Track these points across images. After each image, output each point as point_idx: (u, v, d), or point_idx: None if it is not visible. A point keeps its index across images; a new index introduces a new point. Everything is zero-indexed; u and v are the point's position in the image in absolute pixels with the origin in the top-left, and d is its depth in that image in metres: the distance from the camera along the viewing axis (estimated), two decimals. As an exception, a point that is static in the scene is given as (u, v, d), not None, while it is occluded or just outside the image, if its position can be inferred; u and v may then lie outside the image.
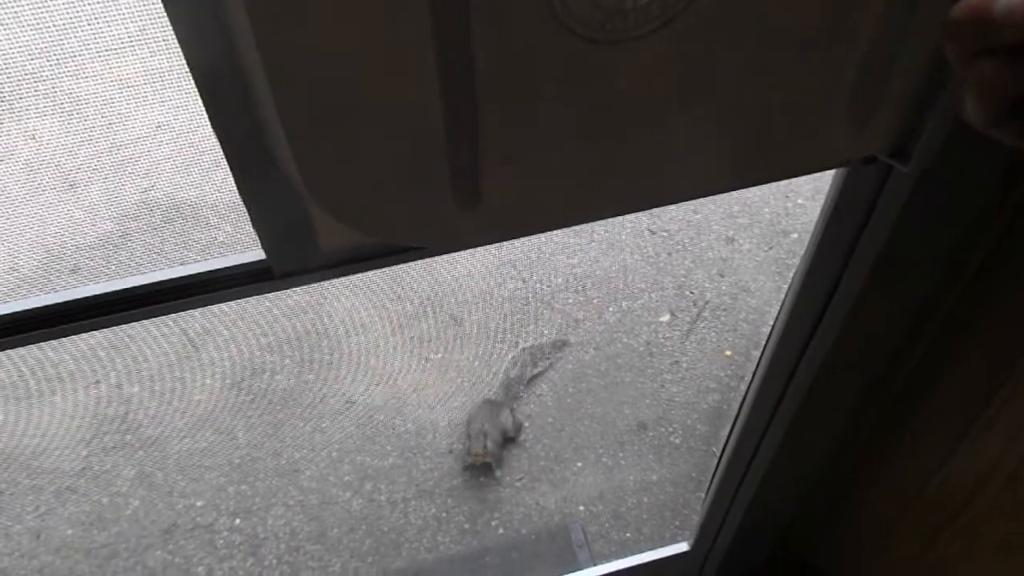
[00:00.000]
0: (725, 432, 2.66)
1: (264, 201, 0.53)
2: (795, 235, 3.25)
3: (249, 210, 0.54)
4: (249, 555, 2.47)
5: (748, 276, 3.14)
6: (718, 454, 1.17)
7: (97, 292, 0.58)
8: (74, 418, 2.87)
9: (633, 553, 2.34)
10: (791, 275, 3.17)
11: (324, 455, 2.71)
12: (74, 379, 2.94)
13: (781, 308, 1.00)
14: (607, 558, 2.32)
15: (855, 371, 1.01)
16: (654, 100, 0.54)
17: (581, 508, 2.49)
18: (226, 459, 2.72)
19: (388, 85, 0.46)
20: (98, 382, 2.95)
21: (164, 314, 0.60)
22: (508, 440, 2.65)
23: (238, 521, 2.56)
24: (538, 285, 3.19)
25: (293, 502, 2.59)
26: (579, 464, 2.62)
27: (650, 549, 1.52)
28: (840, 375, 0.99)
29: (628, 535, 2.41)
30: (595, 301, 3.12)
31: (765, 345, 1.00)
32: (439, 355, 2.90)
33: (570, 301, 3.13)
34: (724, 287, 3.11)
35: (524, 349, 2.85)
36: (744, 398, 1.06)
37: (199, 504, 2.61)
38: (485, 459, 2.51)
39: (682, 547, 1.43)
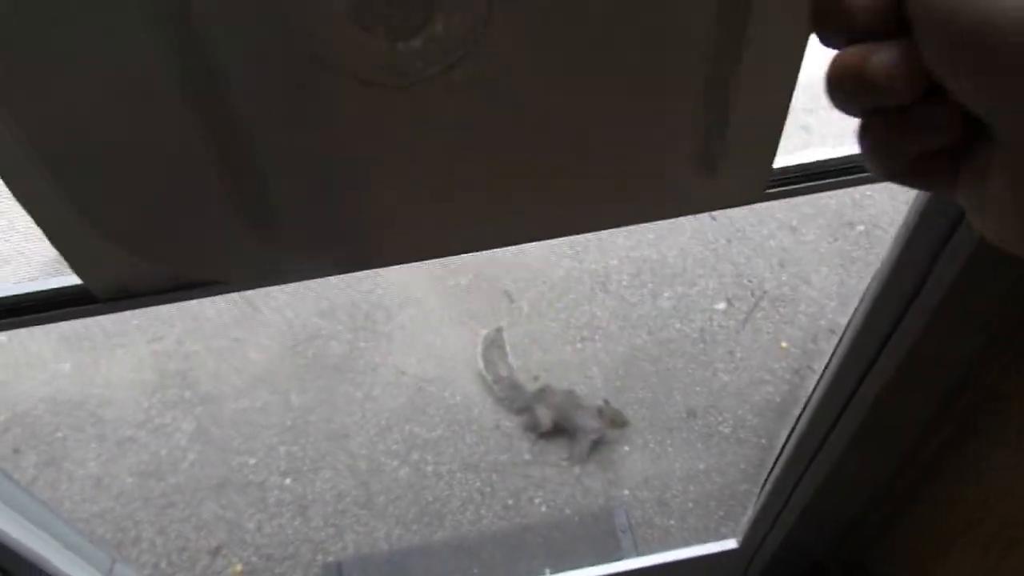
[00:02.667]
0: (776, 425, 2.63)
1: (63, 231, 0.49)
2: (861, 227, 3.16)
3: (50, 240, 0.50)
4: (297, 515, 2.53)
5: (810, 267, 3.07)
6: (777, 451, 1.15)
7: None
8: (137, 371, 2.97)
9: (677, 542, 2.34)
10: (854, 268, 3.09)
11: (374, 422, 2.75)
12: (138, 334, 3.04)
13: (860, 304, 0.97)
14: (650, 544, 2.32)
15: (932, 377, 0.98)
16: (449, 146, 0.49)
17: (626, 492, 2.49)
18: (279, 420, 2.78)
19: (129, 122, 0.43)
20: (161, 338, 3.04)
21: None
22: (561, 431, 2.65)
23: (288, 481, 2.62)
24: (593, 265, 3.17)
25: (342, 466, 2.65)
26: (626, 448, 2.61)
27: (697, 543, 1.51)
28: (916, 380, 0.97)
29: (672, 523, 2.40)
30: (650, 285, 3.09)
31: (839, 342, 0.97)
32: (490, 330, 2.90)
33: (624, 283, 3.10)
34: (784, 277, 3.05)
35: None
36: (811, 395, 1.03)
37: (252, 462, 2.68)
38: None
39: (730, 544, 1.42)
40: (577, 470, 2.55)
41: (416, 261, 0.55)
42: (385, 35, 0.40)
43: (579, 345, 2.92)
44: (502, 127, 0.47)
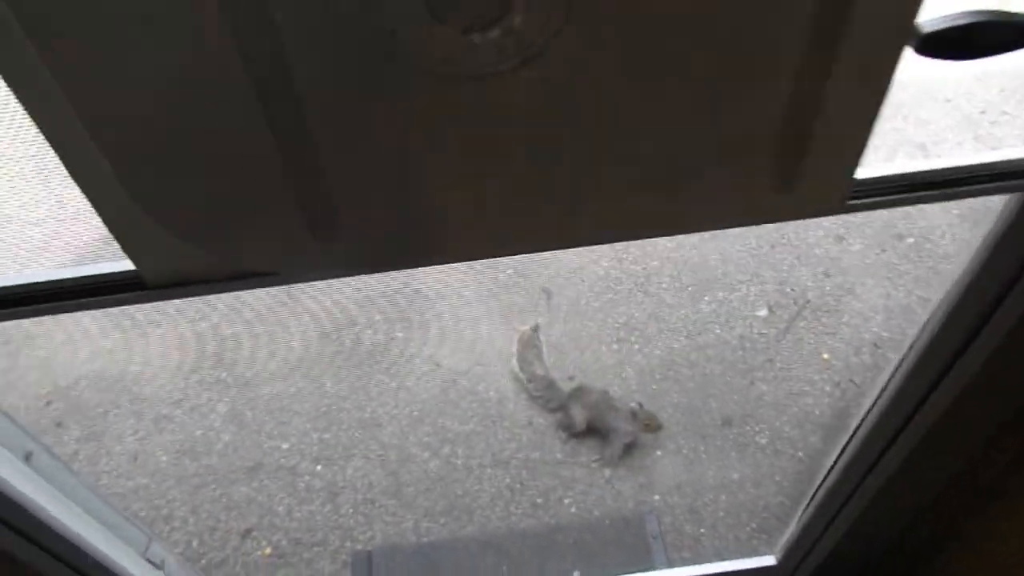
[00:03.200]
0: (815, 438, 2.58)
1: (120, 217, 0.48)
2: (911, 240, 3.08)
3: (107, 225, 0.49)
4: (328, 501, 2.55)
5: (855, 278, 3.00)
6: (824, 467, 1.12)
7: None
8: (176, 351, 3.00)
9: (706, 551, 2.30)
10: (902, 282, 3.01)
11: (406, 413, 2.76)
12: (179, 314, 3.07)
13: (928, 321, 0.93)
14: (680, 552, 2.29)
15: (1000, 397, 0.94)
16: (520, 144, 0.47)
17: (657, 497, 2.46)
18: (313, 406, 2.80)
19: (202, 114, 0.42)
20: (200, 319, 3.07)
21: (36, 315, 0.57)
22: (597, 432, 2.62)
23: (319, 467, 2.64)
24: (633, 266, 3.13)
25: (373, 455, 2.65)
26: (658, 453, 2.58)
27: (727, 553, 1.48)
28: (982, 400, 0.93)
29: (702, 531, 2.36)
30: (690, 288, 3.05)
31: (902, 360, 0.93)
32: (527, 326, 2.89)
33: (664, 286, 3.06)
34: (828, 287, 2.98)
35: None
36: (868, 412, 1.00)
37: (284, 447, 2.70)
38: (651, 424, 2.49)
39: (768, 560, 1.38)
40: (608, 472, 2.52)
41: (476, 259, 0.54)
42: (460, 26, 0.39)
43: (615, 346, 2.89)
44: (574, 127, 0.45)
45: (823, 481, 1.13)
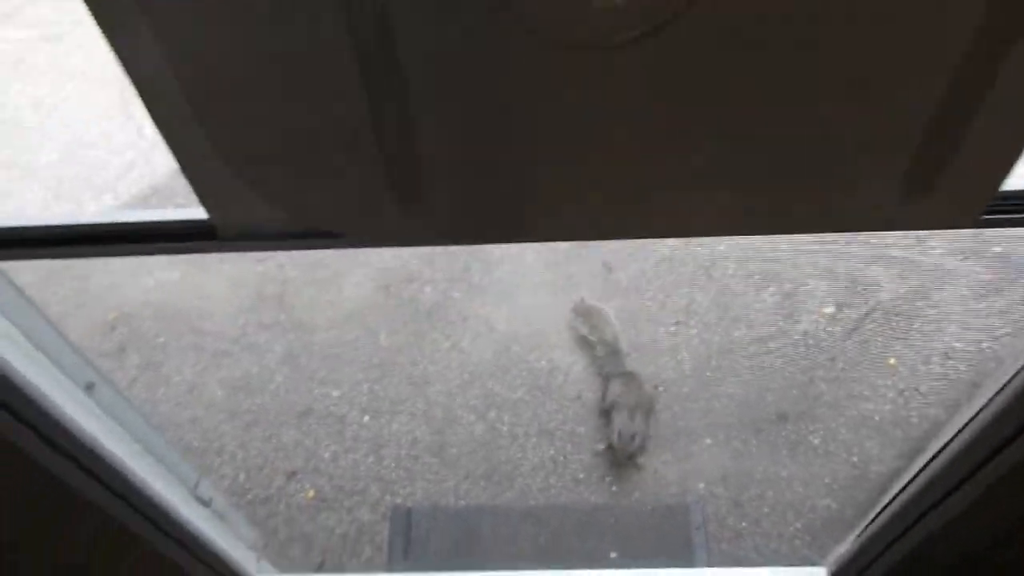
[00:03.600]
0: (871, 444, 2.50)
1: (199, 167, 0.47)
2: (998, 249, 2.93)
3: (185, 174, 0.48)
4: (371, 452, 2.58)
5: (932, 284, 2.87)
6: (897, 488, 1.07)
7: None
8: (239, 289, 3.06)
9: (747, 546, 2.26)
10: (983, 292, 2.87)
11: (456, 374, 2.76)
12: (242, 255, 3.12)
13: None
14: (720, 544, 2.26)
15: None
16: (632, 120, 0.43)
17: (701, 486, 2.42)
18: (366, 357, 2.83)
19: (295, 70, 0.39)
20: (264, 260, 3.12)
21: (108, 255, 0.57)
22: (651, 412, 2.55)
23: (367, 418, 2.67)
24: (699, 248, 3.05)
25: (419, 412, 2.67)
26: (708, 441, 2.53)
27: (768, 550, 1.44)
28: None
29: (744, 525, 2.32)
30: (756, 277, 2.96)
31: (1006, 384, 0.86)
32: (584, 295, 2.85)
33: (730, 272, 2.98)
34: (903, 290, 2.86)
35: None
36: (949, 442, 0.93)
37: (335, 394, 2.74)
38: (632, 452, 2.41)
39: (819, 572, 1.34)
40: (653, 454, 2.49)
41: (564, 240, 0.51)
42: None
43: (673, 328, 2.83)
44: (690, 111, 0.41)
45: (892, 500, 1.08)
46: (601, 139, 0.44)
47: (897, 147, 0.43)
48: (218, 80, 0.39)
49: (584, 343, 2.76)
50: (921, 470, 0.99)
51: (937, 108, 0.40)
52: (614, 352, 2.66)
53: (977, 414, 0.90)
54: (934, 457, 0.96)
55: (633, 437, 2.40)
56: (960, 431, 0.91)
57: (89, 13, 0.38)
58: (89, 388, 1.01)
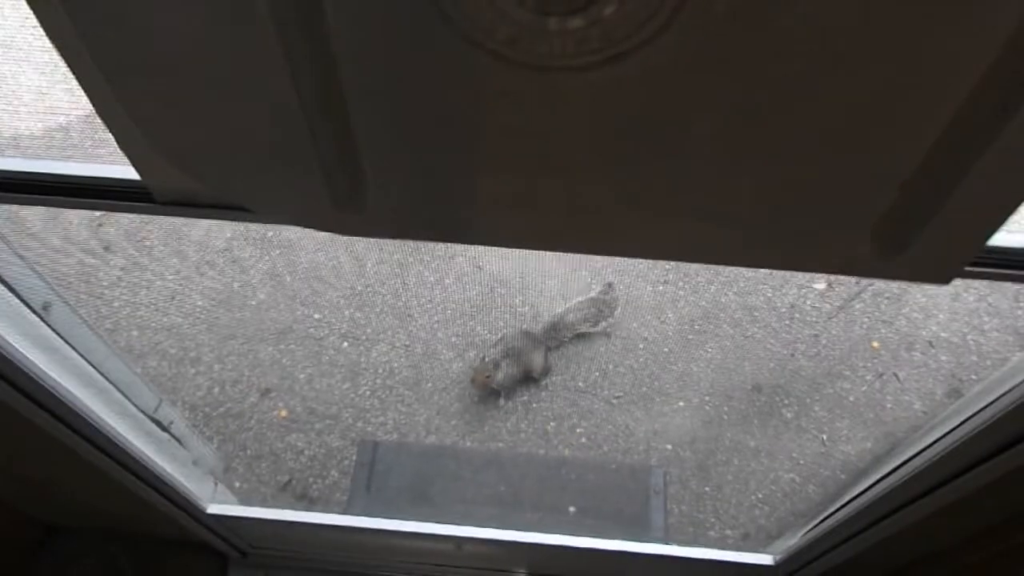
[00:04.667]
0: (842, 424, 2.51)
1: (127, 137, 0.44)
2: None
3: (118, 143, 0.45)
4: (348, 379, 2.58)
5: (928, 270, 2.83)
6: (855, 489, 1.06)
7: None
8: (228, 201, 3.01)
9: (707, 510, 2.29)
10: (974, 285, 2.85)
11: (439, 310, 2.75)
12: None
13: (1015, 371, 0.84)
14: (680, 504, 2.29)
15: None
16: (580, 143, 0.40)
17: (669, 447, 2.44)
18: (350, 283, 2.80)
19: (221, 56, 0.35)
20: (256, 174, 3.06)
21: (42, 205, 0.55)
22: (529, 379, 2.56)
23: (346, 344, 2.67)
24: (699, 209, 3.00)
25: (399, 344, 2.66)
26: (680, 403, 2.54)
27: (728, 519, 1.45)
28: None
29: (707, 489, 2.35)
30: (752, 244, 2.92)
31: (983, 408, 0.83)
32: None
33: (726, 236, 2.94)
34: (897, 273, 2.83)
35: (593, 299, 2.67)
36: (916, 455, 0.92)
37: (316, 316, 2.73)
38: (490, 384, 2.45)
39: (765, 559, 1.35)
40: (626, 410, 2.50)
41: (502, 247, 0.48)
42: (536, 6, 0.31)
43: (661, 287, 2.81)
44: (647, 142, 0.37)
45: (848, 502, 1.07)
46: (543, 157, 0.40)
47: (868, 204, 0.40)
48: (129, 52, 0.35)
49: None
50: (882, 477, 0.98)
51: (914, 171, 0.36)
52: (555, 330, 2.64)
53: (947, 433, 0.89)
54: (896, 468, 0.95)
55: (496, 367, 2.43)
56: (926, 447, 0.89)
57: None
58: (46, 308, 0.99)
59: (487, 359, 2.48)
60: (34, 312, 0.94)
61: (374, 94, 0.37)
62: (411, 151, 0.40)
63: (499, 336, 2.61)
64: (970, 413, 0.83)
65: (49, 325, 0.96)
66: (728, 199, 0.41)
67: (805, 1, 0.30)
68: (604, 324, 2.67)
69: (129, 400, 1.15)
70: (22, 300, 0.91)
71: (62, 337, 0.98)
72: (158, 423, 1.27)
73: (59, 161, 0.53)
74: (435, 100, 0.37)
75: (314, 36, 0.33)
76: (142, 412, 1.20)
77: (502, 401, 2.51)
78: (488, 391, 2.50)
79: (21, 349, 0.83)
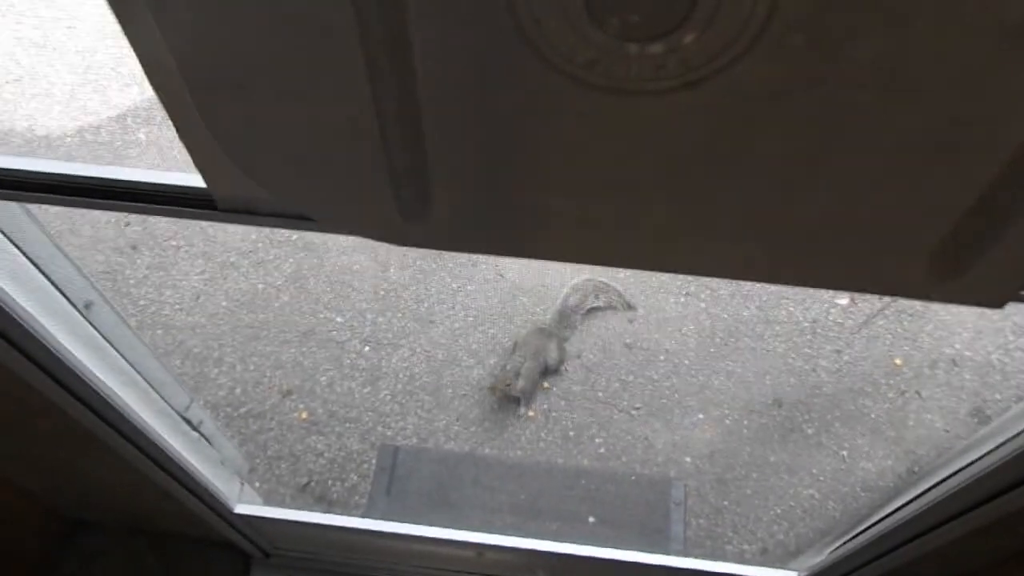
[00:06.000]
0: (863, 441, 2.49)
1: (199, 144, 0.46)
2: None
3: (188, 150, 0.47)
4: (369, 383, 2.60)
5: (952, 288, 2.81)
6: (884, 510, 1.06)
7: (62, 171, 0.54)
8: (254, 203, 3.04)
9: (726, 524, 2.28)
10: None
11: (461, 316, 2.76)
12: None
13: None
14: (699, 519, 2.28)
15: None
16: (650, 166, 0.41)
17: (688, 460, 2.43)
18: (373, 288, 2.82)
19: (306, 73, 0.36)
20: (283, 177, 3.09)
21: (108, 209, 0.57)
22: (549, 372, 2.59)
23: (367, 348, 2.68)
24: (722, 221, 3.00)
25: (420, 349, 2.68)
26: (700, 416, 2.54)
27: (747, 533, 1.44)
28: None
29: (726, 503, 2.34)
30: (775, 258, 2.91)
31: (1016, 435, 0.83)
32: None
33: (749, 249, 2.94)
34: (921, 291, 2.81)
35: (589, 279, 2.71)
36: (948, 477, 0.91)
37: (339, 320, 2.75)
38: (510, 393, 2.47)
39: (790, 575, 1.35)
40: (645, 422, 2.50)
41: (562, 261, 0.48)
42: (618, 32, 0.32)
43: (683, 299, 2.81)
44: (719, 159, 0.38)
45: (877, 522, 1.07)
46: (620, 174, 0.41)
47: (928, 229, 0.40)
48: (217, 70, 0.37)
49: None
50: (914, 498, 0.98)
51: (977, 199, 0.37)
52: (562, 317, 2.67)
53: (982, 456, 0.88)
54: (928, 489, 0.94)
55: (517, 375, 2.45)
56: (960, 470, 0.89)
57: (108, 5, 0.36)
58: (88, 307, 1.01)
59: (508, 367, 2.50)
60: (78, 310, 0.96)
61: (449, 109, 0.38)
62: (479, 165, 0.41)
63: (514, 342, 2.63)
64: (1005, 437, 0.82)
65: (92, 323, 0.97)
66: (788, 222, 0.41)
67: (881, 36, 0.30)
68: (612, 300, 2.72)
69: (164, 399, 1.17)
70: (67, 299, 0.93)
71: (103, 335, 0.99)
72: (188, 422, 1.29)
73: (126, 168, 0.54)
74: (508, 117, 0.38)
75: (397, 55, 0.34)
76: (175, 411, 1.22)
77: (522, 410, 2.52)
78: (509, 399, 2.51)
79: (67, 346, 0.85)
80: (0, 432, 1.04)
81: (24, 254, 0.84)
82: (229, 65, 0.36)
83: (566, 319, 2.68)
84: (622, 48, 0.32)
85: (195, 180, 0.51)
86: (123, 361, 1.04)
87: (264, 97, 0.38)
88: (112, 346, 1.02)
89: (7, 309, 0.74)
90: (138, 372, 1.09)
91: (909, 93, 0.33)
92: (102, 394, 0.95)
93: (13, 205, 0.84)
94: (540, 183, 0.42)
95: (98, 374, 0.92)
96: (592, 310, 2.74)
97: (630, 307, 2.77)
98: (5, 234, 0.80)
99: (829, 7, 0.30)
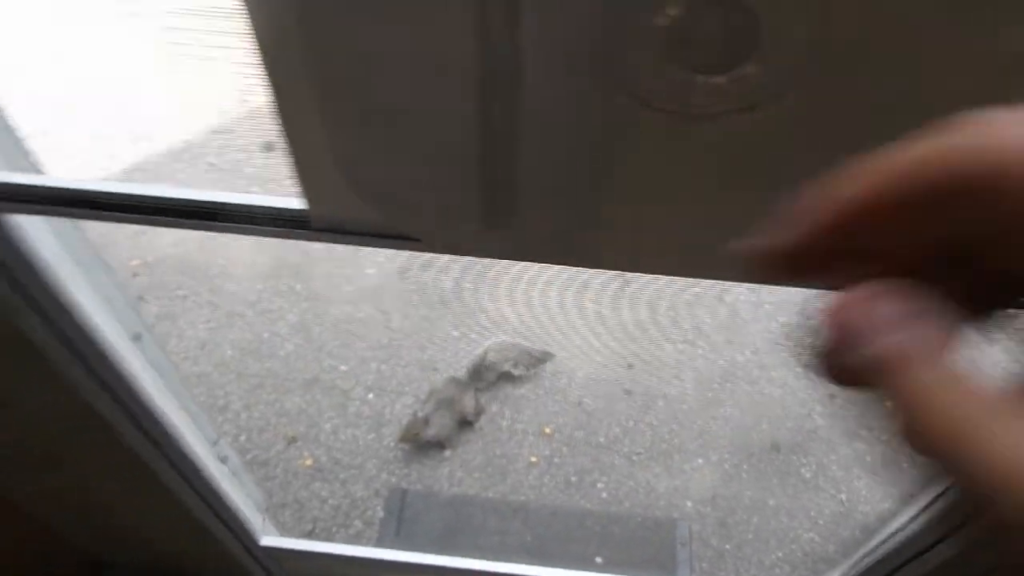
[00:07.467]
0: (860, 484, 2.54)
1: (308, 160, 0.52)
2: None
3: (294, 166, 0.53)
4: (373, 430, 2.63)
5: (940, 334, 2.90)
6: (880, 535, 1.11)
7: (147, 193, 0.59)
8: (260, 253, 3.11)
9: (728, 568, 2.31)
10: (995, 350, 2.94)
11: (464, 363, 2.81)
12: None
13: None
14: (702, 563, 2.31)
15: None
16: (716, 181, 0.48)
17: (689, 504, 2.46)
18: (377, 336, 2.88)
19: (426, 97, 0.44)
20: (288, 229, 3.16)
21: (204, 230, 0.62)
22: (465, 423, 2.65)
23: (371, 396, 2.72)
24: (715, 271, 3.09)
25: (424, 396, 2.72)
26: (699, 461, 2.58)
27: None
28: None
29: (728, 547, 2.37)
30: (767, 306, 3.00)
31: None
32: (597, 306, 2.90)
33: (742, 298, 3.03)
34: (910, 337, 2.89)
35: (516, 344, 2.79)
36: (941, 494, 0.97)
37: (343, 368, 2.79)
38: (420, 440, 2.54)
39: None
40: (646, 467, 2.53)
41: (624, 271, 0.55)
42: (690, 66, 0.39)
43: (680, 346, 2.88)
44: (773, 176, 0.46)
45: (871, 551, 1.12)
46: (681, 189, 0.48)
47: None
48: (355, 106, 0.44)
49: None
50: (910, 521, 1.03)
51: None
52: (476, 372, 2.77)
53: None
54: (924, 508, 1.00)
55: (427, 422, 2.53)
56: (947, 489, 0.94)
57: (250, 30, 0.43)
58: (136, 339, 1.06)
59: (420, 414, 2.56)
60: (132, 342, 1.02)
61: (544, 135, 0.45)
62: (560, 181, 0.48)
63: (428, 391, 2.69)
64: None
65: (143, 355, 1.03)
66: None
67: (931, 66, 0.38)
68: (529, 370, 2.78)
69: (200, 431, 1.22)
70: (124, 330, 0.99)
71: (153, 367, 1.05)
72: (218, 457, 1.33)
73: (211, 191, 0.61)
74: (587, 139, 0.45)
75: (513, 89, 0.42)
76: (208, 443, 1.26)
77: (447, 452, 2.57)
78: (423, 444, 2.56)
79: (132, 375, 0.90)
80: (51, 468, 1.08)
81: (90, 285, 0.90)
82: (363, 97, 0.43)
83: (479, 374, 2.74)
84: (692, 79, 0.40)
85: (287, 202, 0.58)
86: (170, 393, 1.09)
87: (389, 126, 0.45)
88: (160, 377, 1.07)
89: (88, 333, 0.80)
90: (180, 404, 1.14)
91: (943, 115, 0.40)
92: (161, 423, 1.00)
93: (82, 243, 0.91)
94: (607, 197, 0.49)
95: (153, 400, 0.97)
96: (504, 375, 2.78)
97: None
98: (77, 264, 0.86)
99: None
